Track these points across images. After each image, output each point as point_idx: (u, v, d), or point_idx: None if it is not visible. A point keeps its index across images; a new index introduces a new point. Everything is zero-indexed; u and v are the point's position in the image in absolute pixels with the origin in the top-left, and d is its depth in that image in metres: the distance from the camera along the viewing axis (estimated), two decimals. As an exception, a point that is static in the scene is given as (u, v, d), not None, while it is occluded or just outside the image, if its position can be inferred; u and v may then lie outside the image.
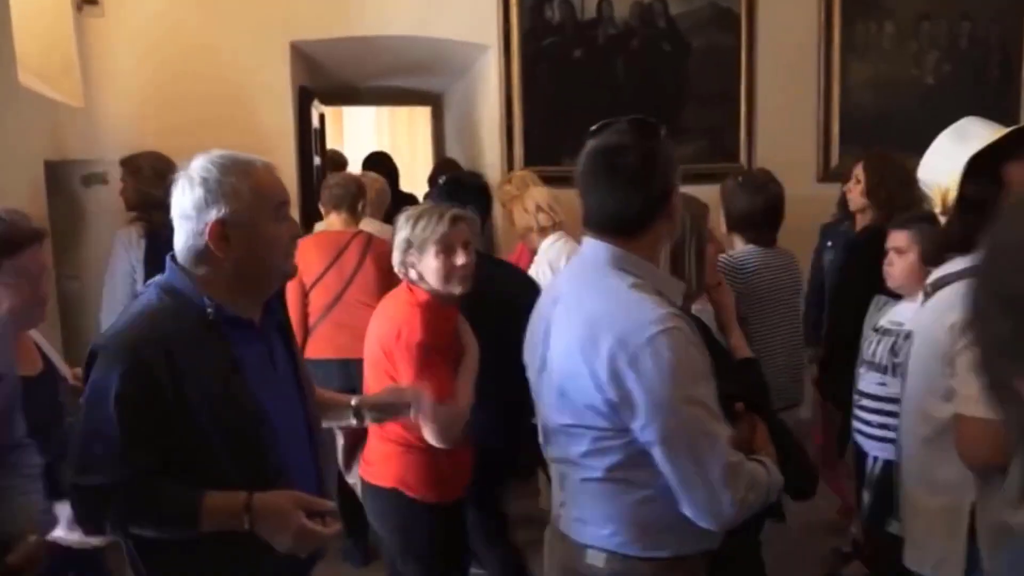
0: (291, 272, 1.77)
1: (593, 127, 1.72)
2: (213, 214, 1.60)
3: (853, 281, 3.28)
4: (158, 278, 1.70)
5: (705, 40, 5.30)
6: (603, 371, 1.54)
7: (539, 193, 3.74)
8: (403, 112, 7.46)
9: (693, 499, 1.57)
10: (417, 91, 6.26)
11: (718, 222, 3.05)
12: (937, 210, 2.18)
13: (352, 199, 3.76)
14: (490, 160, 5.18)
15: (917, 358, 2.11)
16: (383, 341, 2.42)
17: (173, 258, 1.68)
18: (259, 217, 1.64)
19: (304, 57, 5.01)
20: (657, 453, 1.55)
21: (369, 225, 3.92)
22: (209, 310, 1.62)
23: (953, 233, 2.07)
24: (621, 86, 5.21)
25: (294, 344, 1.88)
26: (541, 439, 1.83)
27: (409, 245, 2.44)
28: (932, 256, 2.19)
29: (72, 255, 3.96)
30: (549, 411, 1.72)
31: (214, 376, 1.60)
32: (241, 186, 1.61)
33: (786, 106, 5.40)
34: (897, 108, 5.60)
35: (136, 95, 4.50)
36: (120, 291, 3.49)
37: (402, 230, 2.47)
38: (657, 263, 1.72)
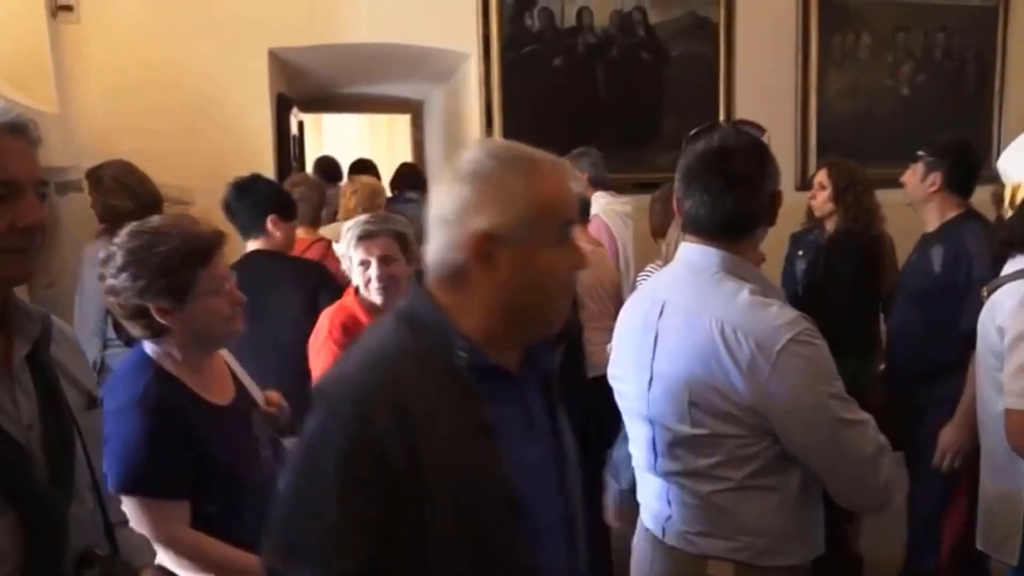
0: (563, 317, 1.33)
1: (692, 132, 1.74)
2: (479, 223, 1.22)
3: (835, 285, 3.38)
4: (400, 304, 1.36)
5: (684, 49, 5.33)
6: (742, 378, 1.55)
7: None
8: (383, 119, 7.44)
9: (855, 485, 1.61)
10: (398, 98, 6.25)
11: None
12: (1005, 204, 2.30)
13: (312, 208, 3.84)
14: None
15: (979, 355, 2.25)
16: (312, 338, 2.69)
17: (420, 277, 1.33)
18: (539, 235, 1.25)
19: (282, 64, 4.99)
20: (810, 451, 1.58)
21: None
22: (461, 353, 1.24)
23: (1014, 230, 2.18)
24: (601, 93, 5.23)
25: (558, 406, 1.43)
26: (644, 455, 1.77)
27: (343, 257, 2.67)
28: (994, 252, 2.29)
29: (47, 263, 3.91)
30: (668, 423, 1.68)
31: (459, 445, 1.21)
32: (522, 191, 1.24)
33: (764, 115, 5.27)
34: (874, 117, 5.68)
35: (112, 101, 4.45)
36: (90, 308, 3.34)
37: (340, 242, 2.68)
38: (757, 266, 1.75)
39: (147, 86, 4.49)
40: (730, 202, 1.63)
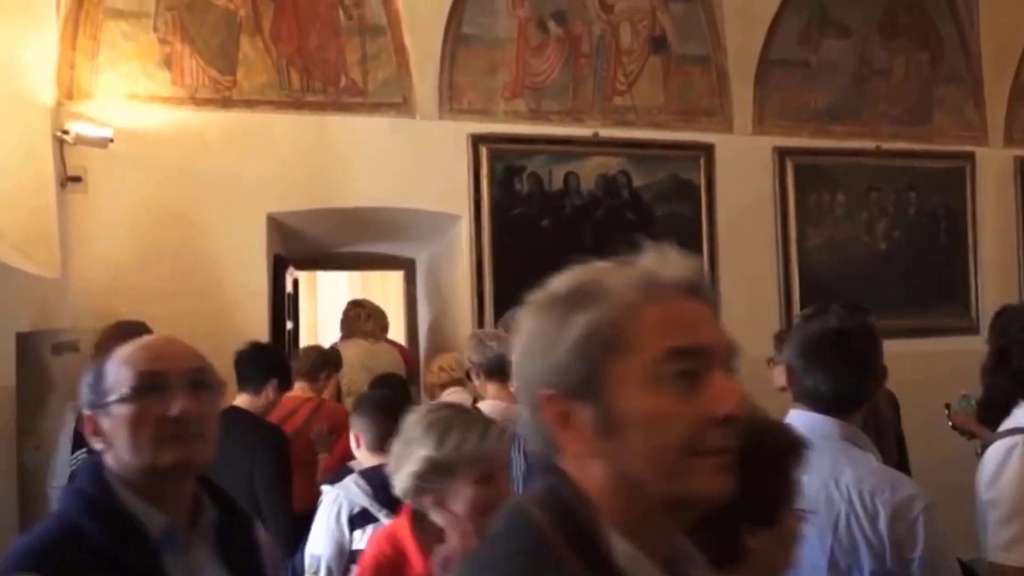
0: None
1: (806, 312, 1.96)
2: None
3: None
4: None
5: (667, 209, 5.55)
6: (883, 541, 1.69)
7: (444, 357, 4.35)
8: (376, 275, 7.61)
9: None
10: (391, 256, 6.42)
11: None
12: None
13: (312, 368, 4.18)
14: (462, 325, 5.26)
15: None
16: None
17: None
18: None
19: (279, 226, 5.17)
20: None
21: (354, 347, 4.80)
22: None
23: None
24: (587, 253, 5.32)
25: None
26: None
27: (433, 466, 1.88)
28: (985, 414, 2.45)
29: (36, 424, 3.90)
30: None
31: None
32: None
33: (747, 270, 5.61)
34: (854, 272, 5.86)
35: (113, 266, 4.57)
36: (63, 459, 3.36)
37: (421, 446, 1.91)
38: None
39: (147, 250, 4.63)
40: (850, 381, 1.82)
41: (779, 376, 3.37)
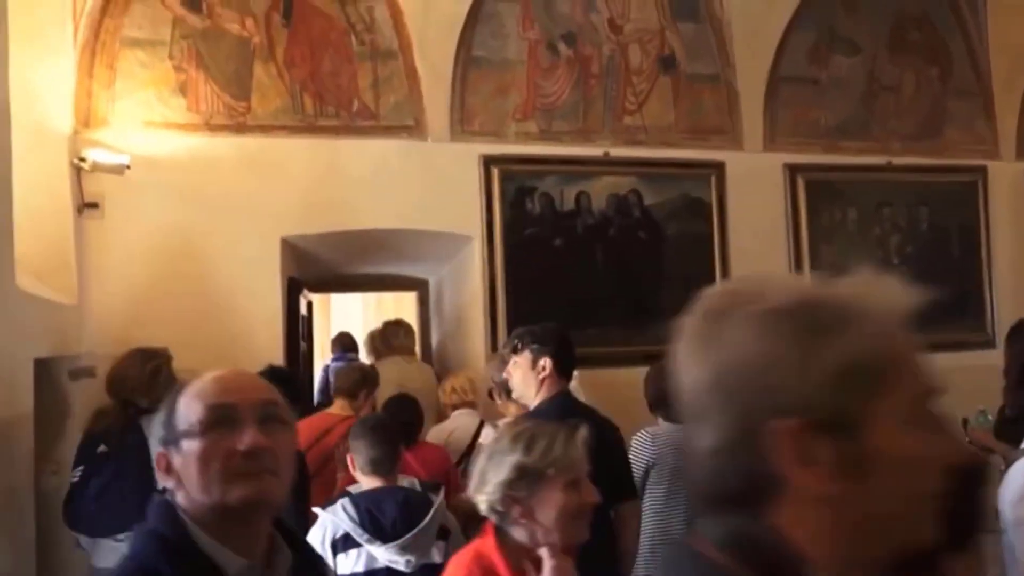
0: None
1: None
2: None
3: None
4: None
5: (679, 227, 5.56)
6: None
7: (456, 378, 4.62)
8: (389, 296, 7.64)
9: None
10: (404, 277, 6.45)
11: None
12: None
13: (352, 387, 4.19)
14: (474, 345, 5.28)
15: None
16: None
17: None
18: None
19: (293, 249, 5.21)
20: None
21: (393, 365, 5.03)
22: None
23: None
24: (600, 271, 5.41)
25: None
26: None
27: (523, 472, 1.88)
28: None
29: (54, 449, 3.93)
30: None
31: None
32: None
33: (760, 287, 5.59)
34: (867, 287, 5.83)
35: (129, 291, 4.62)
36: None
37: (510, 454, 1.90)
38: None
39: (163, 275, 4.67)
40: None
41: None
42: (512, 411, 3.34)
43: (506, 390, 3.42)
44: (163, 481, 1.37)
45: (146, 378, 3.52)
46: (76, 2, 4.45)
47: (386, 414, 3.81)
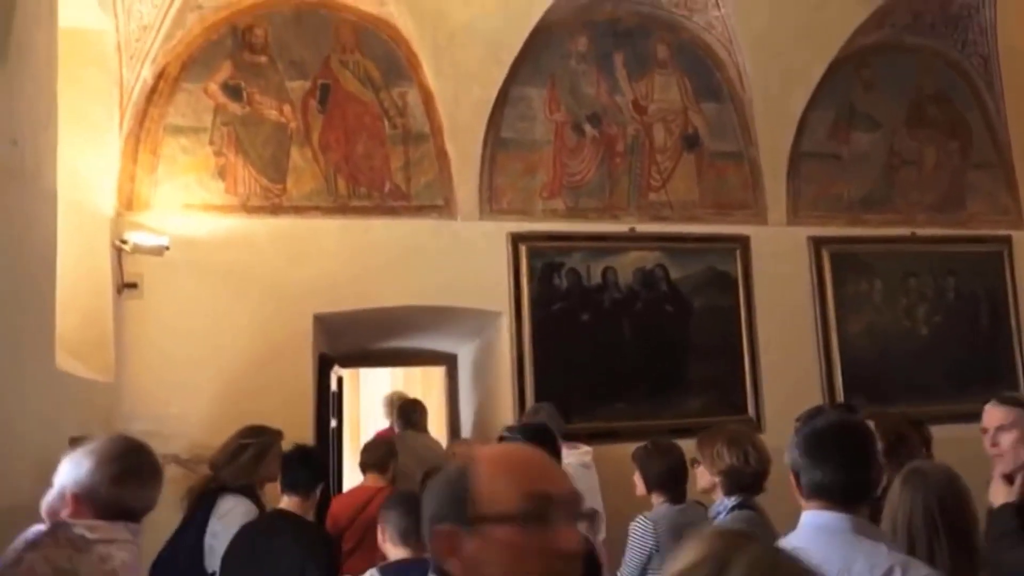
0: None
1: (801, 416, 2.06)
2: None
3: None
4: None
5: (705, 300, 5.60)
6: None
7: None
8: (417, 371, 7.69)
9: None
10: (432, 351, 6.52)
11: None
12: None
13: (382, 460, 4.35)
14: (503, 418, 5.28)
15: None
16: None
17: None
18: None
19: (326, 326, 5.28)
20: None
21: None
22: None
23: None
24: (627, 345, 5.43)
25: None
26: None
27: None
28: None
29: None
30: None
31: None
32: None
33: (788, 359, 5.60)
34: (896, 357, 5.82)
35: (164, 368, 4.69)
36: None
37: None
38: None
39: (198, 352, 4.75)
40: (858, 473, 1.88)
41: (702, 477, 3.22)
42: None
43: None
44: (444, 563, 1.20)
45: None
46: (123, 91, 4.64)
47: (422, 487, 3.83)
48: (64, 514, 1.94)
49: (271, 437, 3.66)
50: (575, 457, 4.44)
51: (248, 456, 3.55)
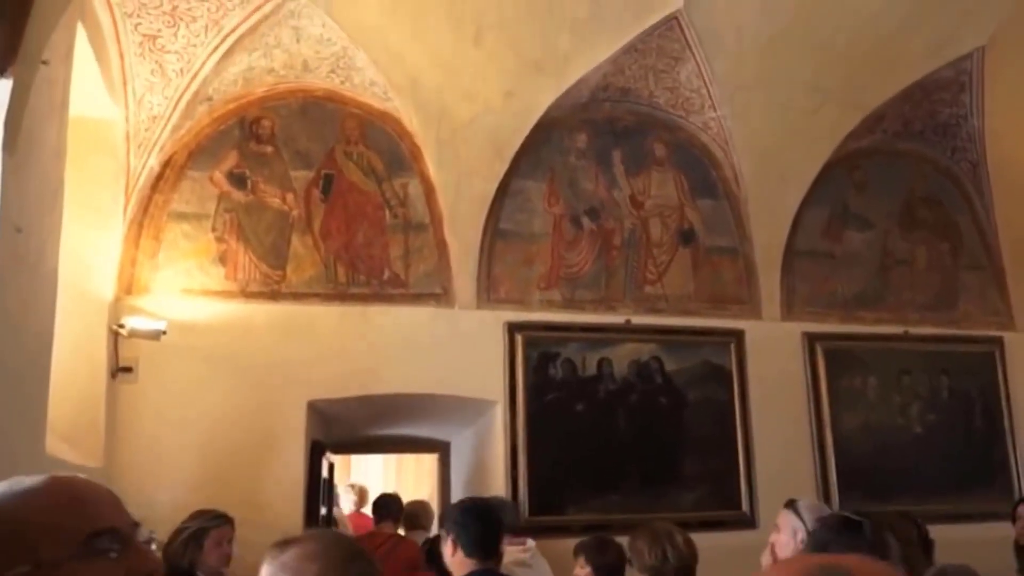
0: None
1: (811, 541, 2.14)
2: None
3: None
4: None
5: (700, 393, 5.60)
6: None
7: None
8: (410, 457, 7.62)
9: None
10: (425, 439, 6.47)
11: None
12: None
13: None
14: (496, 511, 5.21)
15: None
16: None
17: None
18: None
19: (319, 413, 5.26)
20: None
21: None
22: None
23: None
24: (622, 436, 5.41)
25: None
26: None
27: None
28: None
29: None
30: None
31: None
32: None
33: (783, 453, 5.57)
34: (891, 454, 5.80)
35: (156, 453, 4.65)
36: None
37: None
38: None
39: (190, 438, 4.71)
40: None
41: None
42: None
43: None
44: None
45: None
46: (129, 178, 4.72)
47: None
48: None
49: (213, 521, 3.57)
50: (510, 556, 4.27)
51: (181, 540, 3.48)
